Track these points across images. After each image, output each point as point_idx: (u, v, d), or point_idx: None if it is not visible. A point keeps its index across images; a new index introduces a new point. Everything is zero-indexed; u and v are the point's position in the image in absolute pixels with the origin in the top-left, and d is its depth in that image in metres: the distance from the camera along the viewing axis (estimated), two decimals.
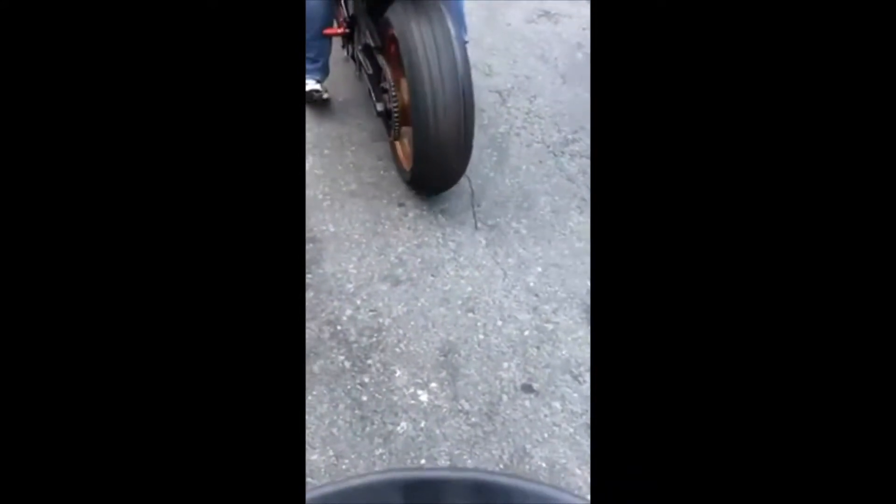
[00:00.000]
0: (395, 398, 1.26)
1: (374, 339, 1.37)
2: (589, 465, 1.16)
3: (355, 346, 1.35)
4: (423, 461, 1.17)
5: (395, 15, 1.49)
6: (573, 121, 1.96)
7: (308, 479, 1.14)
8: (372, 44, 1.64)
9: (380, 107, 1.63)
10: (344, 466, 1.16)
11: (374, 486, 0.33)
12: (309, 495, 0.32)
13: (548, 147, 1.86)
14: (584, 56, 2.25)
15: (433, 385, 1.29)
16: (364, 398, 1.26)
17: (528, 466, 1.16)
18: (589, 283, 1.49)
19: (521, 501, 0.32)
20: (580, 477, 1.14)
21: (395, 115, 1.57)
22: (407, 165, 1.62)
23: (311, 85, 1.83)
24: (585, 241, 1.59)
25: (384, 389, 1.28)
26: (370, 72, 1.69)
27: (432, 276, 1.50)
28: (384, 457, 1.17)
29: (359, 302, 1.44)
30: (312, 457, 1.17)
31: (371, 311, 1.42)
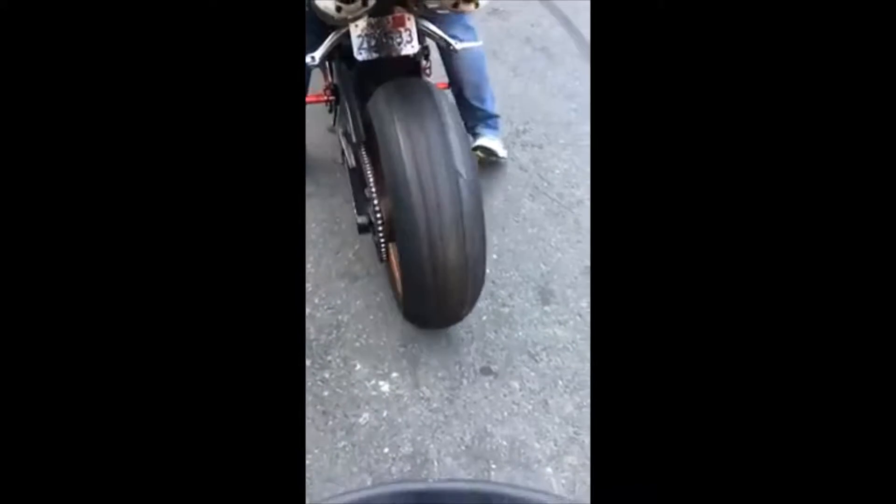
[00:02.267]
0: (357, 391, 1.27)
1: (334, 336, 1.37)
2: (547, 438, 1.19)
3: (315, 343, 1.36)
4: (385, 450, 1.18)
5: (375, 108, 1.13)
6: (524, 112, 2.00)
7: None
8: (354, 137, 1.26)
9: (361, 220, 1.28)
10: (307, 461, 1.16)
11: (383, 498, 0.33)
12: None
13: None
14: (532, 50, 2.30)
15: (394, 375, 1.30)
16: (325, 394, 1.27)
17: (489, 445, 1.18)
18: (542, 265, 1.52)
19: None
20: (539, 451, 1.17)
21: (381, 232, 1.21)
22: (401, 290, 1.25)
23: None
24: (537, 226, 1.62)
25: (345, 383, 1.29)
26: (352, 165, 1.31)
27: None
28: (347, 448, 1.18)
29: (317, 300, 1.44)
30: None
31: (329, 308, 1.43)
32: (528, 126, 1.96)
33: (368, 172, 1.22)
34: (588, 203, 1.72)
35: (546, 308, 1.43)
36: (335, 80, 1.41)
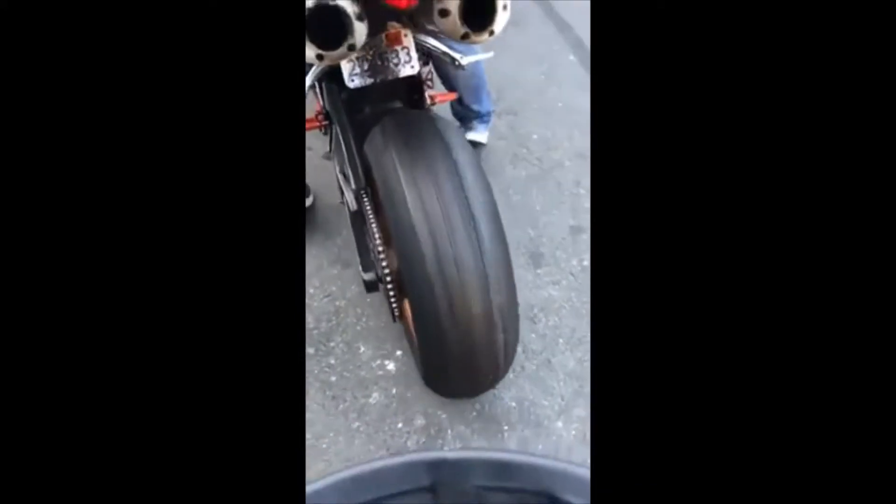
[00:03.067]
0: (363, 373, 1.29)
1: (334, 322, 1.39)
2: (553, 395, 1.22)
3: (316, 332, 1.37)
4: (399, 424, 1.21)
5: (374, 150, 0.98)
6: (496, 81, 1.99)
7: None
8: (353, 182, 1.08)
9: (368, 276, 1.12)
10: (324, 445, 1.18)
11: (400, 467, 0.33)
12: (335, 477, 0.32)
13: None
14: None
15: (399, 353, 1.32)
16: (333, 379, 1.29)
17: (499, 409, 1.21)
18: (530, 230, 1.54)
19: (546, 480, 0.32)
20: (548, 407, 1.20)
21: (390, 289, 1.07)
22: (419, 353, 1.11)
23: None
24: (521, 193, 1.64)
25: (351, 367, 1.30)
26: (353, 208, 1.11)
27: None
28: (361, 429, 1.20)
29: (312, 290, 1.45)
30: None
31: (326, 296, 1.44)
32: (502, 94, 1.97)
33: (372, 221, 1.06)
34: (567, 164, 1.74)
35: (538, 271, 1.46)
36: (326, 106, 1.22)
